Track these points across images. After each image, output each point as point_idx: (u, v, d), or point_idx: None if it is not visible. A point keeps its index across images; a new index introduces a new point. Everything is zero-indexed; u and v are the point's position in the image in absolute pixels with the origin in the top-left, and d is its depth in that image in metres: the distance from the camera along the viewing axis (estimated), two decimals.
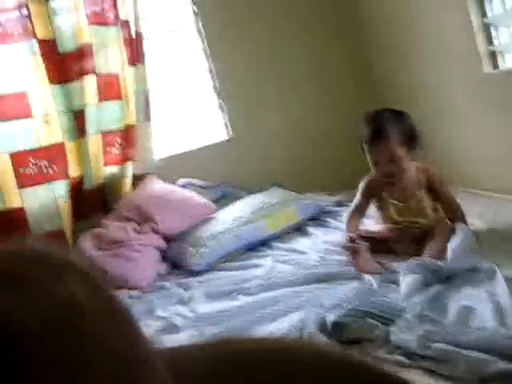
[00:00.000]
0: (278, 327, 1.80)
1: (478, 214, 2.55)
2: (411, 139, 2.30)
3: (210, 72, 3.49)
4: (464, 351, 1.34)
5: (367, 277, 2.02)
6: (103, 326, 0.41)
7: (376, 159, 2.27)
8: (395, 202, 2.35)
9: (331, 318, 1.66)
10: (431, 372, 1.36)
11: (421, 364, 1.40)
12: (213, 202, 3.10)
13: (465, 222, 2.32)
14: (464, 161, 3.08)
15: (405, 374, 1.39)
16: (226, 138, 3.55)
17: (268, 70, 3.58)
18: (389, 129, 2.25)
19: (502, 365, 1.29)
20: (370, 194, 2.41)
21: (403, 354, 1.46)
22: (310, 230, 2.96)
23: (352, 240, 2.24)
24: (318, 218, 3.09)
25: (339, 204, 3.18)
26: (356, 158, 3.24)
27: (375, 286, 1.92)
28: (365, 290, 1.84)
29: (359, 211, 2.44)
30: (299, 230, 3.01)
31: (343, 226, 2.78)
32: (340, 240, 2.56)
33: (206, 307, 2.18)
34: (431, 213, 2.37)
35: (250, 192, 3.29)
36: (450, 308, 1.68)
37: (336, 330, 1.64)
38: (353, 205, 2.47)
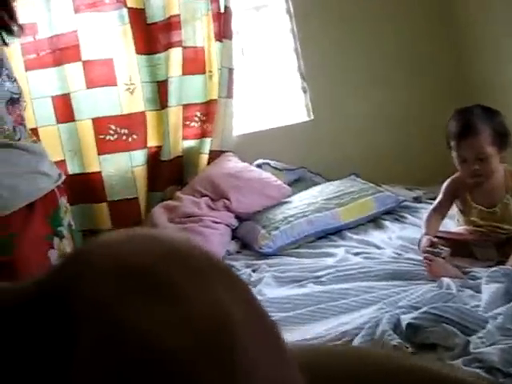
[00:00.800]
0: (348, 321, 1.74)
1: None
2: (502, 139, 2.18)
3: (296, 52, 3.41)
4: None
5: (446, 280, 1.92)
6: (256, 347, 0.34)
7: (464, 156, 2.16)
8: (479, 206, 2.24)
9: (407, 318, 1.59)
10: None
11: (502, 381, 1.31)
12: (288, 185, 3.05)
13: None
14: None
15: None
16: (307, 119, 3.48)
17: (356, 55, 3.48)
18: (479, 125, 2.14)
19: None
20: (453, 195, 2.31)
21: (483, 367, 1.38)
22: (386, 223, 2.87)
23: (432, 245, 2.12)
24: (394, 212, 2.99)
25: (418, 200, 3.08)
26: (440, 155, 3.13)
27: (454, 290, 1.83)
28: (443, 295, 1.76)
29: (440, 212, 2.33)
30: (374, 222, 2.93)
31: (421, 223, 2.69)
32: (417, 237, 2.48)
33: (274, 292, 2.14)
34: None
35: (328, 179, 3.23)
36: None
37: (411, 332, 1.57)
38: (434, 204, 2.36)
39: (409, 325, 1.56)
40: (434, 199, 2.69)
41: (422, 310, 1.60)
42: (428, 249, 2.09)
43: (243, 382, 0.32)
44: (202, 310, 0.33)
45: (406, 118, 3.55)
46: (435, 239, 2.13)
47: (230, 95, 3.16)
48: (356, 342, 1.55)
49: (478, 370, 1.37)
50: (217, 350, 0.32)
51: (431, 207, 2.36)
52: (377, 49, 3.50)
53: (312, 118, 3.46)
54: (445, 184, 2.34)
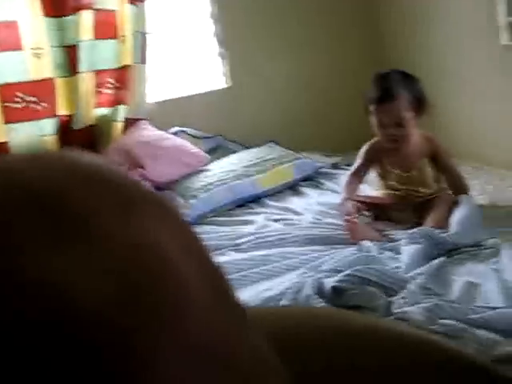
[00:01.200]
0: (271, 287, 1.72)
1: (480, 189, 2.47)
2: (419, 105, 2.20)
3: (213, 17, 3.33)
4: (475, 329, 1.26)
5: (366, 243, 1.93)
6: (199, 299, 0.27)
7: (382, 121, 2.17)
8: (397, 170, 2.26)
9: (330, 282, 1.58)
10: None
11: None
12: (206, 153, 2.99)
13: (467, 194, 2.24)
14: (468, 133, 2.99)
15: None
16: (225, 86, 3.41)
17: (274, 19, 3.43)
18: (398, 90, 2.15)
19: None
20: (371, 160, 2.32)
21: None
22: (305, 190, 2.87)
23: (357, 210, 2.13)
24: (313, 179, 3.00)
25: (336, 166, 3.09)
26: (358, 121, 3.14)
27: (375, 253, 1.84)
28: (364, 257, 1.76)
29: (358, 176, 2.34)
30: (293, 189, 2.92)
31: (340, 188, 2.70)
32: (335, 203, 2.48)
33: None
34: (433, 183, 2.29)
35: (246, 146, 3.19)
36: (454, 283, 1.61)
37: (334, 294, 1.56)
38: (352, 168, 2.37)
39: (332, 288, 1.55)
40: (351, 165, 2.73)
41: (344, 273, 1.59)
42: (347, 217, 2.09)
43: (175, 343, 0.26)
44: (132, 255, 0.26)
45: (324, 83, 3.54)
46: (359, 204, 2.14)
47: (143, 61, 3.05)
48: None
49: None
50: (149, 306, 0.25)
51: (349, 172, 2.37)
52: (295, 12, 3.47)
53: (230, 84, 3.40)
54: (363, 149, 2.35)
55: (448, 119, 2.98)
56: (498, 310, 1.32)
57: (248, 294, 1.68)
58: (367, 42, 3.58)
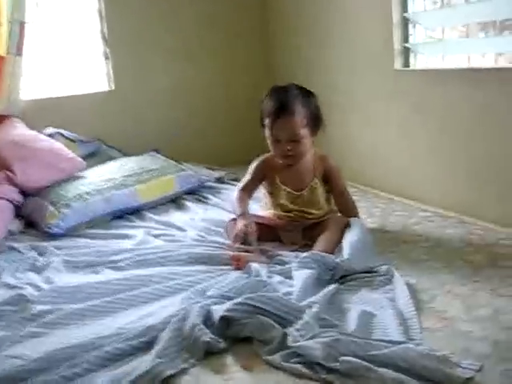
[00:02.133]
0: (152, 313, 1.54)
1: (367, 213, 2.43)
2: (316, 122, 2.13)
3: (100, 13, 3.11)
4: (379, 369, 1.15)
5: (254, 266, 1.80)
6: None
7: (277, 136, 2.07)
8: (288, 189, 2.16)
9: (219, 310, 1.43)
10: None
11: (324, 377, 1.20)
12: (83, 158, 2.76)
13: (358, 217, 2.18)
14: (355, 156, 2.96)
15: None
16: (107, 89, 3.19)
17: (165, 24, 3.26)
18: (295, 106, 2.06)
19: None
20: (262, 175, 2.21)
21: (303, 362, 1.26)
22: (188, 204, 2.72)
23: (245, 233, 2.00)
24: (196, 193, 2.86)
25: (220, 180, 2.98)
26: (246, 135, 3.05)
27: (264, 277, 1.71)
28: (255, 282, 1.62)
29: (249, 192, 2.22)
30: (175, 202, 2.76)
31: (226, 204, 2.58)
32: (221, 219, 2.35)
33: (64, 279, 1.86)
34: (325, 204, 2.21)
35: (126, 154, 2.99)
36: (349, 312, 1.51)
37: (223, 324, 1.41)
38: (241, 183, 2.24)
39: (221, 317, 1.40)
40: (237, 180, 2.65)
41: (235, 301, 1.44)
42: (238, 246, 1.95)
43: None
44: None
45: (213, 93, 3.42)
46: (250, 227, 2.01)
47: (19, 52, 2.77)
48: (164, 338, 1.35)
49: (298, 366, 1.25)
50: None
51: (238, 187, 2.24)
52: (187, 18, 3.32)
53: (112, 87, 3.19)
54: (254, 163, 2.23)
55: (337, 139, 2.94)
56: (400, 346, 1.23)
57: (125, 321, 1.49)
58: (258, 54, 3.50)
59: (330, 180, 2.20)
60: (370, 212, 2.48)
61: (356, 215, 2.18)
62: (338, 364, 1.19)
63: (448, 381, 1.17)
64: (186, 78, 3.34)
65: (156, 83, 3.27)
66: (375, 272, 1.77)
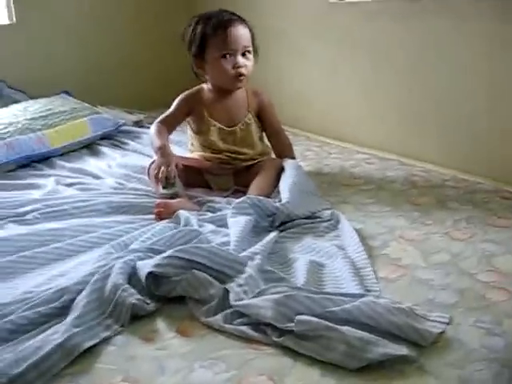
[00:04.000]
0: (65, 273, 1.30)
1: (300, 156, 2.24)
2: (254, 46, 1.93)
3: None
4: (340, 327, 0.98)
5: (182, 213, 1.58)
6: None
7: (231, 46, 1.84)
8: (219, 124, 1.94)
9: (146, 266, 1.21)
10: (293, 353, 0.99)
11: (277, 341, 1.02)
12: None
13: (294, 159, 1.99)
14: (288, 95, 2.76)
15: (248, 354, 1.01)
16: (7, 22, 2.84)
17: None
18: (242, 19, 1.90)
19: (386, 349, 0.96)
20: (186, 110, 1.96)
21: (249, 323, 1.07)
22: (104, 149, 2.47)
23: (167, 177, 1.75)
24: (112, 137, 2.60)
25: (139, 124, 2.74)
26: (169, 75, 2.79)
27: (196, 226, 1.50)
28: (186, 232, 1.40)
29: (169, 126, 1.96)
30: (89, 148, 2.50)
31: (146, 149, 2.33)
32: (140, 165, 2.11)
33: None
34: (259, 143, 2.01)
35: (32, 96, 2.69)
36: (296, 263, 1.33)
37: (152, 282, 1.20)
38: (162, 116, 1.98)
39: (149, 274, 1.19)
40: None
41: (164, 255, 1.23)
42: (159, 201, 1.69)
43: None
44: None
45: (126, 32, 3.11)
46: (172, 167, 1.77)
47: None
48: (80, 301, 1.12)
49: (243, 328, 1.06)
50: None
51: (157, 120, 1.98)
52: None
53: (14, 21, 2.84)
54: (179, 97, 1.98)
55: (270, 77, 2.72)
56: (362, 300, 1.05)
57: (34, 283, 1.25)
58: None
59: (264, 117, 2.00)
60: (304, 155, 2.30)
61: (293, 157, 1.99)
62: (292, 324, 1.01)
63: (419, 337, 1.01)
64: (103, 6, 3.00)
65: (65, 15, 2.92)
66: (318, 218, 1.60)
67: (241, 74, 1.87)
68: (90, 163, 2.29)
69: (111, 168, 2.21)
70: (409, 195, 1.81)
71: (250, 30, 1.91)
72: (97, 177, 2.11)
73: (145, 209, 1.73)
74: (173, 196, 1.73)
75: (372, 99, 2.36)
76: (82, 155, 2.40)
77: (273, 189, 1.79)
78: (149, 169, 1.88)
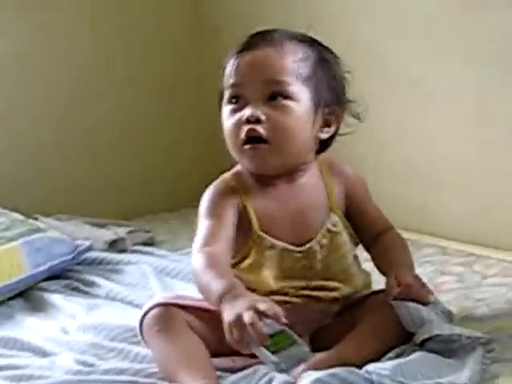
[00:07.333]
0: None
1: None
2: (335, 90, 1.09)
3: None
4: None
5: None
6: None
7: (238, 88, 1.06)
8: (281, 243, 1.04)
9: None
10: None
11: None
12: None
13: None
14: None
15: None
16: None
17: None
18: (283, 36, 1.08)
19: None
20: (233, 209, 1.06)
21: None
22: (53, 298, 1.51)
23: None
24: (68, 276, 1.66)
25: (117, 248, 1.78)
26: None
27: None
28: None
29: (224, 246, 1.02)
30: (26, 296, 1.56)
31: (128, 290, 1.47)
32: (126, 325, 1.21)
33: None
34: (356, 269, 1.10)
35: None
36: None
37: None
38: (203, 234, 1.03)
39: None
40: (152, 245, 1.83)
41: None
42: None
43: None
44: None
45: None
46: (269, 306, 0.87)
47: None
48: None
49: None
50: None
51: (198, 244, 1.02)
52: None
53: None
54: (209, 195, 1.08)
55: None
56: None
57: None
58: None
59: (357, 207, 1.12)
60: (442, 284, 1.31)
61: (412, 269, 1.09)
62: None
63: None
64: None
65: None
66: None
67: (250, 138, 1.03)
68: (29, 326, 1.34)
69: (68, 334, 1.28)
70: None
71: (317, 55, 1.09)
72: (41, 352, 1.20)
73: None
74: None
75: None
76: (14, 311, 1.45)
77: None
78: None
